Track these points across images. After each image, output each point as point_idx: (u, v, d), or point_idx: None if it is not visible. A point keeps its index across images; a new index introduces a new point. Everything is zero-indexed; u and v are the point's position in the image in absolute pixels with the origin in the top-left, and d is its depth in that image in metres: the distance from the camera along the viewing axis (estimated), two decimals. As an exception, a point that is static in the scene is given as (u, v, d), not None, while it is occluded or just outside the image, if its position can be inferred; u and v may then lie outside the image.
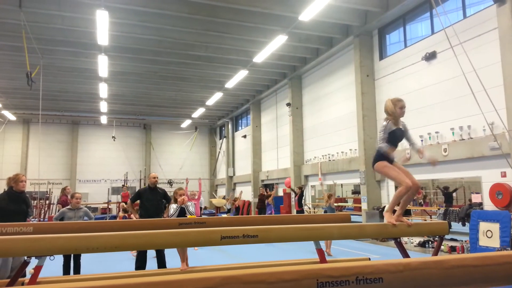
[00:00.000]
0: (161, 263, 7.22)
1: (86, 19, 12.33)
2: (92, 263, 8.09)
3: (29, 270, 4.26)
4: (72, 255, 6.68)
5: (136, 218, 7.47)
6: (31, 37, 12.42)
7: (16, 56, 15.19)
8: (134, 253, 9.71)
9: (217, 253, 8.69)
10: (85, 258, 6.94)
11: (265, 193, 17.34)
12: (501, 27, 9.08)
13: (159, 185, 7.93)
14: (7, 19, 12.26)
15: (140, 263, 7.14)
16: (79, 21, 12.70)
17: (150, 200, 7.37)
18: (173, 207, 6.90)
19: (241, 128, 27.42)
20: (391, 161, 4.51)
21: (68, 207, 6.97)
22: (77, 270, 6.71)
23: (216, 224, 5.33)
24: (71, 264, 6.74)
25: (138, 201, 7.60)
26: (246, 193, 24.27)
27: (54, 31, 13.55)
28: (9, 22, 12.44)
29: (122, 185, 23.59)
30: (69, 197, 9.04)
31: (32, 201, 18.80)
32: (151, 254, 7.72)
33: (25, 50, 12.19)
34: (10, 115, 24.68)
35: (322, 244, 8.76)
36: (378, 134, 4.56)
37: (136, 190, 7.57)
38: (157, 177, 7.70)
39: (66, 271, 6.68)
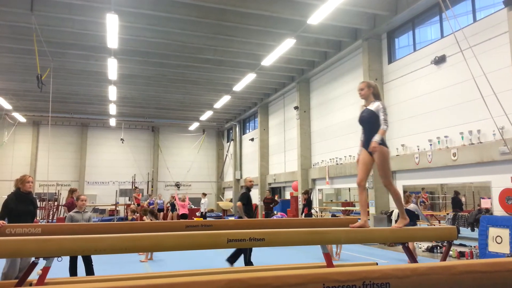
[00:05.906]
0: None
1: (96, 22, 12.48)
2: (101, 265, 8.12)
3: (37, 271, 4.28)
4: (79, 257, 6.69)
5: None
6: (42, 40, 12.60)
7: (27, 59, 15.42)
8: (143, 255, 9.75)
9: (223, 256, 8.69)
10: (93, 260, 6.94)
11: (271, 197, 17.16)
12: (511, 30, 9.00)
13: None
14: (18, 23, 12.45)
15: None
16: (89, 24, 12.86)
17: (251, 202, 8.33)
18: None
19: (249, 131, 27.45)
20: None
21: (74, 210, 7.00)
22: (89, 272, 6.67)
23: (222, 227, 5.31)
24: (79, 266, 6.74)
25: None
26: (253, 196, 24.21)
27: (64, 34, 13.72)
28: (20, 25, 12.63)
29: (135, 187, 23.47)
30: (74, 199, 9.03)
31: (41, 203, 18.98)
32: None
33: (36, 53, 12.37)
34: (20, 117, 24.98)
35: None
36: (381, 114, 4.30)
37: (242, 194, 8.51)
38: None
39: (72, 273, 6.67)
